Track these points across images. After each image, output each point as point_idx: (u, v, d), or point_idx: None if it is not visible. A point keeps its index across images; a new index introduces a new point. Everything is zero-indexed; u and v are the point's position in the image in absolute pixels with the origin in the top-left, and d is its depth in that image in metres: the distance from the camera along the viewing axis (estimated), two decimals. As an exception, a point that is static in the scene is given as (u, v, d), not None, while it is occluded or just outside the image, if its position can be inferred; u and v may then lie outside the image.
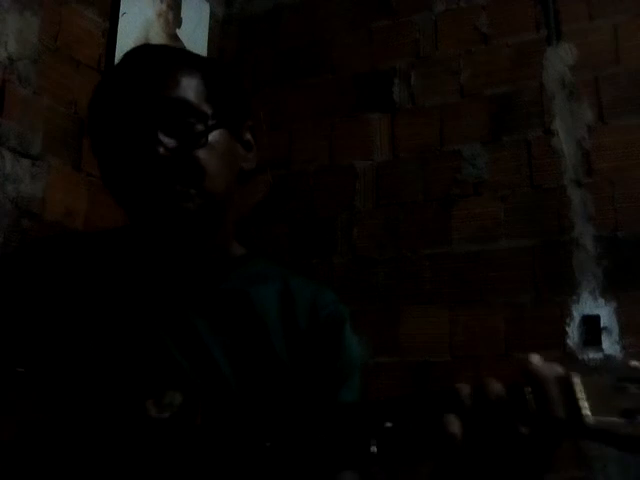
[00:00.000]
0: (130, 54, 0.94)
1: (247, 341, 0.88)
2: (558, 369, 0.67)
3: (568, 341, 1.80)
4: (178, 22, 2.17)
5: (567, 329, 1.81)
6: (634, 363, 0.64)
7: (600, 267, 1.82)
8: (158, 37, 2.06)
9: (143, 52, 0.95)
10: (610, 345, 1.76)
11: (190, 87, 0.89)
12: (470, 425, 0.64)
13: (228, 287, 0.92)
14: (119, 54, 1.88)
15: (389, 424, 0.65)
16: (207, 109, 0.89)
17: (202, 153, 0.87)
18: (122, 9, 1.91)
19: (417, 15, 2.19)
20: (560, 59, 1.99)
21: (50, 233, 1.59)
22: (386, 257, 2.05)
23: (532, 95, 2.00)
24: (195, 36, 2.23)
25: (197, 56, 0.99)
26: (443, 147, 2.07)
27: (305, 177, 2.21)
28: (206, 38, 2.30)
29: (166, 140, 0.84)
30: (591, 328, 1.78)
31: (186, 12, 2.20)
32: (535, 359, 0.68)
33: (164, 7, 2.12)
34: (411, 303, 1.98)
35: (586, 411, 0.62)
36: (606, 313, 1.78)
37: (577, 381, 0.64)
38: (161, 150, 0.83)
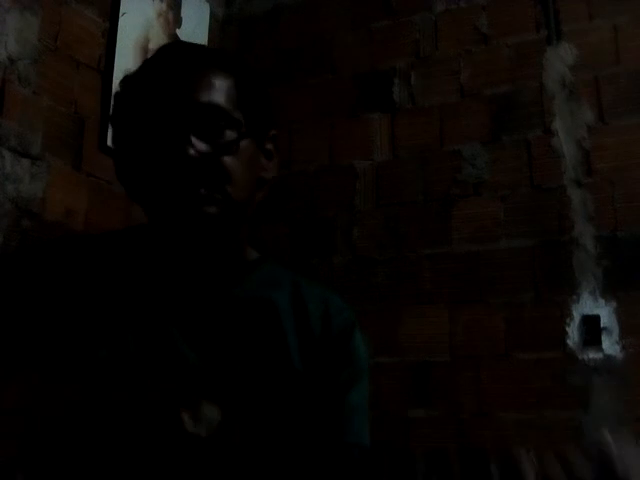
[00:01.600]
0: (164, 50, 0.93)
1: (263, 348, 0.87)
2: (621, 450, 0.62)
3: (568, 341, 1.80)
4: (178, 22, 2.17)
5: (567, 329, 1.81)
6: None
7: (600, 267, 1.82)
8: (158, 37, 2.05)
9: (177, 50, 0.94)
10: (610, 345, 1.76)
11: (223, 92, 0.89)
12: None
13: (243, 292, 0.92)
14: (119, 54, 1.88)
15: None
16: (239, 116, 0.89)
17: (230, 160, 0.87)
18: (122, 9, 1.91)
19: (417, 15, 2.19)
20: (560, 59, 1.99)
21: (50, 233, 1.59)
22: (386, 257, 2.05)
23: (532, 95, 2.00)
24: (195, 36, 2.23)
25: (230, 58, 0.98)
26: (443, 147, 2.07)
27: (305, 177, 2.21)
28: (206, 38, 2.30)
29: (198, 143, 0.84)
30: (591, 328, 1.78)
31: (186, 12, 2.20)
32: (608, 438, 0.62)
33: (164, 7, 2.11)
34: (411, 303, 1.98)
35: None
36: (606, 313, 1.78)
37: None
38: (192, 152, 0.83)
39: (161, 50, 0.93)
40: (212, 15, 2.36)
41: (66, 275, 0.89)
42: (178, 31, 2.17)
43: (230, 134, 0.88)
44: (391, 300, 2.01)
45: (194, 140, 0.84)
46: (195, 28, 2.25)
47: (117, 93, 0.94)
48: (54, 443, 0.73)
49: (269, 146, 0.98)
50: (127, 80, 0.94)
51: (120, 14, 1.90)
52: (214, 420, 0.68)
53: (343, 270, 2.08)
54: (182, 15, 2.18)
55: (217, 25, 2.41)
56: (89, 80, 1.79)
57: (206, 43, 2.28)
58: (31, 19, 1.64)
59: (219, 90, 0.88)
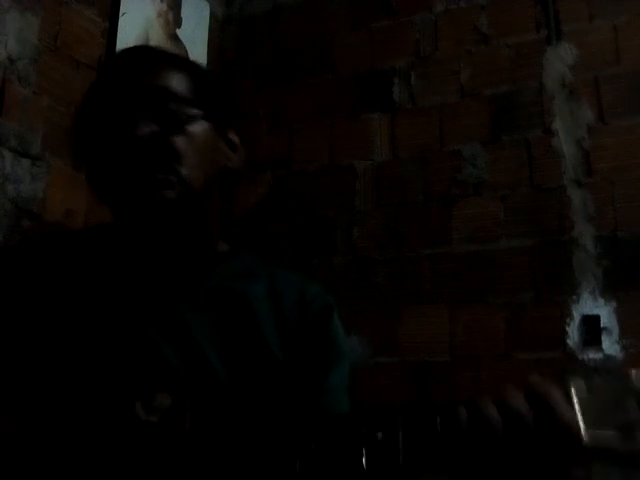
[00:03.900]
0: (121, 55, 0.97)
1: (240, 338, 0.88)
2: (555, 385, 0.64)
3: (568, 341, 1.80)
4: (178, 22, 2.17)
5: (567, 329, 1.81)
6: (635, 374, 0.61)
7: (600, 267, 1.82)
8: (158, 37, 2.06)
9: (134, 51, 0.97)
10: (610, 345, 1.76)
11: (174, 78, 0.91)
12: (465, 447, 0.62)
13: (215, 283, 0.93)
14: (119, 54, 1.88)
15: (380, 435, 0.63)
16: (191, 97, 0.90)
17: (180, 140, 0.88)
18: (122, 9, 1.91)
19: (417, 15, 2.19)
20: (560, 59, 1.99)
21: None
22: (386, 257, 2.05)
23: (532, 95, 2.00)
24: (195, 36, 2.23)
25: (188, 59, 1.01)
26: (443, 147, 2.07)
27: (305, 177, 2.21)
28: (206, 38, 2.30)
29: (146, 124, 0.85)
30: (591, 328, 1.78)
31: (186, 12, 2.20)
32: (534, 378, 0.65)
33: (164, 7, 2.11)
34: (411, 303, 1.98)
35: (582, 424, 0.59)
36: (606, 313, 1.78)
37: (574, 394, 0.61)
38: (139, 132, 0.84)
39: (117, 56, 0.98)
40: (212, 15, 2.36)
41: (37, 272, 0.89)
42: (178, 31, 2.17)
43: (180, 115, 0.88)
44: (391, 300, 2.01)
45: (142, 122, 0.85)
46: (195, 28, 2.25)
47: (82, 103, 0.96)
48: (12, 432, 0.73)
49: (232, 136, 0.98)
50: (89, 89, 0.97)
51: (120, 14, 1.90)
52: (165, 407, 0.69)
53: (343, 270, 2.08)
54: (182, 15, 2.18)
55: (217, 25, 2.41)
56: (89, 80, 1.78)
57: (206, 43, 2.29)
58: (31, 19, 1.64)
59: (171, 76, 0.90)
